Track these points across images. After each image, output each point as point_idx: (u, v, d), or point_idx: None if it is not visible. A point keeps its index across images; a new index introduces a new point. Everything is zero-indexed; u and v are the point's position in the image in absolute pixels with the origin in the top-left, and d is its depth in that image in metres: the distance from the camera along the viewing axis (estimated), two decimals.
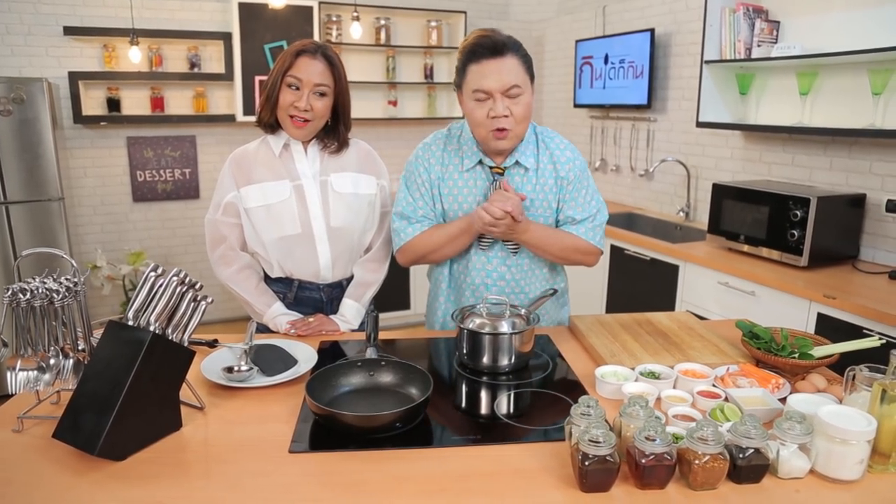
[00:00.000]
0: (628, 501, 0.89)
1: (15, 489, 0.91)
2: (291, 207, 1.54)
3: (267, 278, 1.63)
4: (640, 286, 3.02)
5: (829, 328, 2.03)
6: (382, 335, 1.56)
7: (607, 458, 0.88)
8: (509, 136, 1.41)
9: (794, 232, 2.31)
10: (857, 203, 2.41)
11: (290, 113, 1.49)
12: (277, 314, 1.56)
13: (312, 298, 1.62)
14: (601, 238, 1.58)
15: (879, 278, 2.23)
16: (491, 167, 1.50)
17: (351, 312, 1.61)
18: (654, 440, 0.90)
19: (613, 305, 3.22)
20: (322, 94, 1.49)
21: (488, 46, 1.36)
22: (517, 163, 1.49)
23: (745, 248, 2.56)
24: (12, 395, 1.15)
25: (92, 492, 0.90)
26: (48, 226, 3.24)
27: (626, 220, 3.61)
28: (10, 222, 3.14)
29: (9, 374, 1.05)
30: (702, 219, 3.17)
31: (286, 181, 1.55)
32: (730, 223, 2.63)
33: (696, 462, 0.90)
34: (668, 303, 2.80)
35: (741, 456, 0.92)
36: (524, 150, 1.49)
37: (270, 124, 1.55)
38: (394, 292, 4.13)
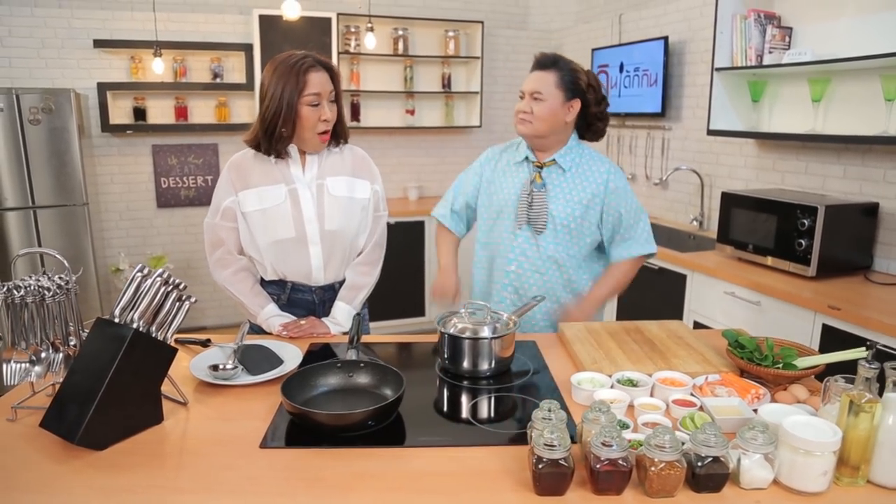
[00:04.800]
0: None
1: (0, 475, 0.96)
2: (286, 211, 1.59)
3: (262, 281, 1.68)
4: (649, 295, 2.98)
5: (834, 340, 1.98)
6: (390, 339, 1.60)
7: (560, 461, 0.89)
8: (527, 125, 1.71)
9: (802, 241, 2.26)
10: (869, 212, 2.34)
11: (319, 130, 1.53)
12: (270, 315, 1.60)
13: (305, 300, 1.66)
14: (650, 238, 1.80)
15: (892, 290, 2.15)
16: (533, 161, 1.77)
17: (342, 315, 1.64)
18: (610, 446, 0.90)
19: (623, 314, 3.18)
20: (332, 101, 1.57)
21: (539, 60, 1.73)
22: (555, 161, 1.75)
23: (754, 257, 2.51)
24: (7, 387, 1.22)
25: (70, 479, 0.95)
26: (73, 229, 3.39)
27: None
28: (38, 226, 3.30)
29: (4, 365, 1.12)
30: (715, 228, 3.11)
31: (282, 185, 1.60)
32: (739, 232, 2.58)
33: (652, 469, 0.89)
34: (676, 312, 2.76)
35: (699, 464, 0.91)
36: (564, 155, 1.75)
37: (277, 150, 1.55)
38: (408, 300, 4.16)
